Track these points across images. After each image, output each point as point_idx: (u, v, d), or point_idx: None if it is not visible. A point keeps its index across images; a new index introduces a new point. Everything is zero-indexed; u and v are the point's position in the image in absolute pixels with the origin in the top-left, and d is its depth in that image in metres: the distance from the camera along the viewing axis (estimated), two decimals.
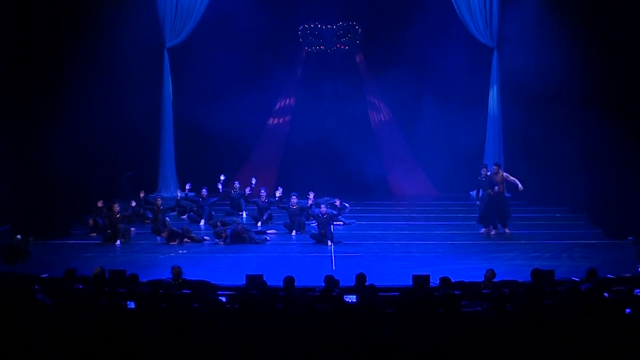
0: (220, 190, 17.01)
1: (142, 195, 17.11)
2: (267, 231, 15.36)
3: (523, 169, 19.59)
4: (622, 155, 14.51)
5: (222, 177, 17.08)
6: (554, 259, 12.69)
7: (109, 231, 14.45)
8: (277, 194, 15.91)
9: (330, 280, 9.06)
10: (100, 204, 15.51)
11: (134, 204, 15.68)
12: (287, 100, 21.32)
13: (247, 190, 16.77)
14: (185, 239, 14.42)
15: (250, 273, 9.86)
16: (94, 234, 15.11)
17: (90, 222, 15.42)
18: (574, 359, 7.07)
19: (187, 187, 16.87)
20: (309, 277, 10.43)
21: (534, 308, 7.61)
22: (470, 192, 20.04)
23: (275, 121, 21.39)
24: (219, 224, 15.04)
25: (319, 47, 21.04)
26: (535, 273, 8.96)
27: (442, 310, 7.63)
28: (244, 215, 17.13)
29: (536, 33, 17.67)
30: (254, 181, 17.26)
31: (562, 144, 17.47)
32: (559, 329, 7.23)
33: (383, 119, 21.47)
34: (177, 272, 9.99)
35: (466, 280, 9.23)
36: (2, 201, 14.34)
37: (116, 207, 14.63)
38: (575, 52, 15.87)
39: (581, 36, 15.77)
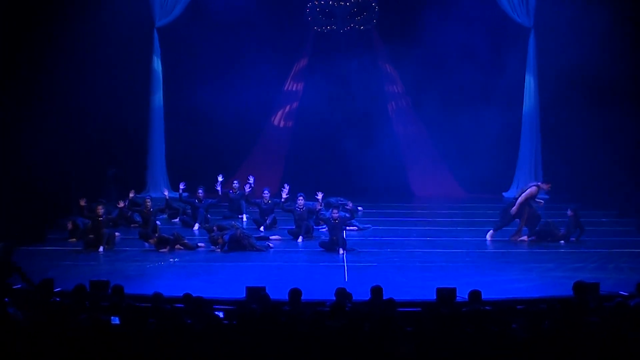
0: (220, 193, 16.91)
1: (131, 195, 17.12)
2: (270, 237, 15.37)
3: (563, 168, 19.57)
4: None
5: (220, 178, 16.90)
6: (599, 271, 12.60)
7: (91, 236, 14.45)
8: (284, 194, 15.78)
9: (342, 294, 9.05)
10: (82, 202, 15.37)
11: (121, 204, 15.66)
12: (294, 88, 21.37)
13: (247, 189, 16.70)
14: (177, 246, 14.43)
15: (250, 285, 9.86)
16: (74, 239, 15.14)
17: (69, 225, 15.44)
18: None
19: (181, 186, 16.76)
20: (318, 290, 10.43)
21: (575, 326, 7.57)
22: (503, 194, 20.04)
23: (280, 112, 21.46)
24: (215, 228, 15.04)
25: (330, 27, 21.05)
26: (578, 286, 8.91)
27: (470, 329, 7.60)
28: (245, 219, 17.15)
29: (580, 11, 17.48)
30: (251, 179, 17.04)
31: (608, 140, 17.38)
32: (604, 350, 7.19)
33: (402, 110, 21.47)
34: None
35: (499, 295, 9.19)
36: None
37: (100, 209, 14.60)
38: (626, 34, 15.71)
39: (634, 14, 15.57)
